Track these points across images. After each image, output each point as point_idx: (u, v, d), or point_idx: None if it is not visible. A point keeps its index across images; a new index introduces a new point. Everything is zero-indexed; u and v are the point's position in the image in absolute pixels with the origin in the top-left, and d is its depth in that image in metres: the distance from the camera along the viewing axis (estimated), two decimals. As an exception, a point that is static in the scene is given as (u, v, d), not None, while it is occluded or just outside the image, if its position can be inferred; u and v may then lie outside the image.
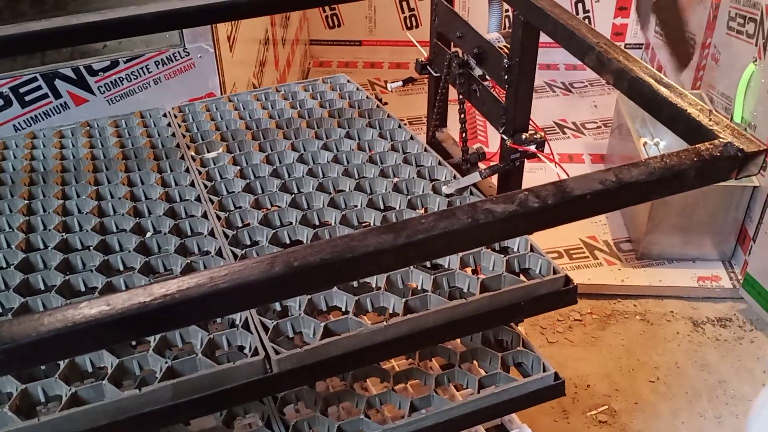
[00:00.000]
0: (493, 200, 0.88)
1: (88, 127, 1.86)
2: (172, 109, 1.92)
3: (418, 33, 4.22)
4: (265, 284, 0.80)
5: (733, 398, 2.46)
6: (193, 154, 1.70)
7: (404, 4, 4.25)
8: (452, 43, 1.75)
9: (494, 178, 1.62)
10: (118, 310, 0.76)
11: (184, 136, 1.78)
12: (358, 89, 1.96)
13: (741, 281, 2.81)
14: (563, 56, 4.22)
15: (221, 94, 2.32)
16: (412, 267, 1.30)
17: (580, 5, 4.16)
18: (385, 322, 1.17)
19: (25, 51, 1.52)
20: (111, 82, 2.27)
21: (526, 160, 1.57)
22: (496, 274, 1.29)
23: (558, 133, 3.73)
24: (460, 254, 1.32)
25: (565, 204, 0.88)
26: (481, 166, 1.69)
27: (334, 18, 4.34)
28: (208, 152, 1.72)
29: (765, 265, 2.69)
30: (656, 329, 2.73)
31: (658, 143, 3.24)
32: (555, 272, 1.28)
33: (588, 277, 2.88)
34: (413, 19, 4.28)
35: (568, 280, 1.28)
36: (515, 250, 1.37)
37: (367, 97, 1.90)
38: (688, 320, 2.76)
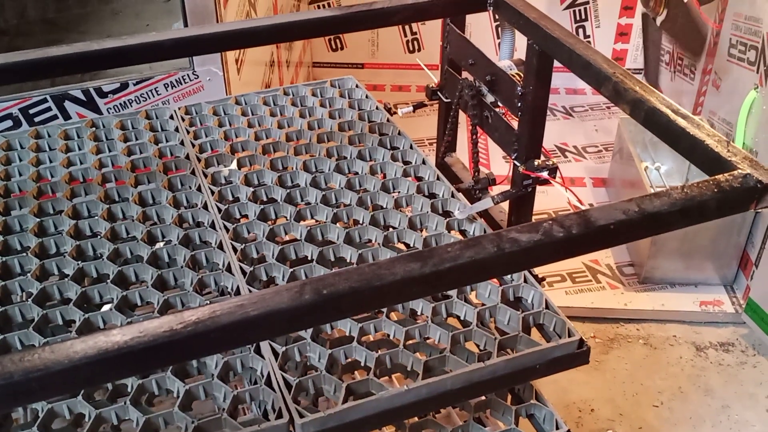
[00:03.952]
0: (518, 229, 0.89)
1: (93, 128, 1.84)
2: (179, 109, 1.90)
3: (420, 57, 4.26)
4: (295, 311, 0.81)
5: (736, 423, 2.46)
6: (203, 168, 1.70)
7: (407, 28, 4.28)
8: (462, 70, 1.77)
9: (505, 204, 1.64)
10: (150, 336, 0.77)
11: (193, 145, 1.77)
12: (367, 97, 1.95)
13: (743, 306, 2.83)
14: (563, 80, 4.26)
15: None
16: (430, 322, 1.32)
17: (581, 30, 4.21)
18: (405, 386, 1.18)
19: (44, 75, 1.54)
20: (120, 104, 2.29)
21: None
22: (513, 335, 1.30)
23: (559, 156, 3.76)
24: (477, 308, 1.33)
25: (590, 234, 0.89)
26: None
27: (337, 41, 4.37)
28: (218, 165, 1.72)
29: (767, 290, 2.70)
30: (659, 353, 2.73)
31: (660, 168, 3.26)
32: (570, 334, 1.28)
33: (591, 301, 2.89)
34: (415, 42, 4.32)
35: (582, 342, 1.28)
36: (530, 303, 1.38)
37: (376, 108, 1.90)
38: (690, 345, 2.77)
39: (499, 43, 1.73)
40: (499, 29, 1.77)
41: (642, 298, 2.90)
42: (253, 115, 1.90)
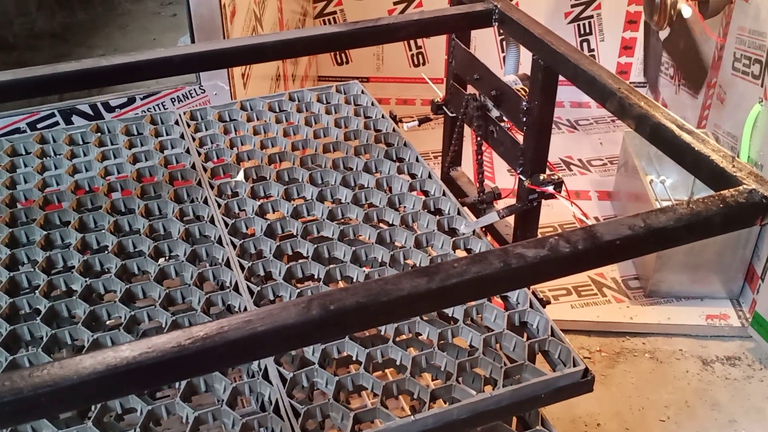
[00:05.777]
0: (525, 245, 0.90)
1: (98, 133, 1.83)
2: (184, 114, 1.90)
3: (425, 70, 4.28)
4: (302, 327, 0.81)
5: (744, 438, 2.45)
6: (209, 179, 1.70)
7: (412, 42, 4.30)
8: (468, 84, 1.78)
9: (510, 218, 1.64)
10: (158, 352, 0.77)
11: (199, 153, 1.77)
12: (373, 104, 1.95)
13: (749, 320, 2.82)
14: (568, 94, 4.27)
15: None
16: (436, 348, 1.32)
17: (585, 44, 4.22)
18: (412, 417, 1.18)
19: (54, 91, 1.55)
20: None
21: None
22: (519, 364, 1.30)
23: (564, 170, 3.76)
24: (483, 335, 1.33)
25: (596, 249, 0.89)
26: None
27: (342, 55, 4.39)
28: (224, 174, 1.72)
29: (774, 303, 2.69)
30: (665, 367, 2.72)
31: (665, 181, 3.26)
32: (575, 363, 1.28)
33: (597, 315, 2.88)
34: (420, 56, 4.34)
35: (586, 371, 1.28)
36: (535, 328, 1.37)
37: (382, 116, 1.90)
38: (697, 358, 2.76)
39: (504, 58, 1.75)
40: (504, 44, 1.78)
41: (648, 312, 2.89)
42: (258, 121, 1.89)
